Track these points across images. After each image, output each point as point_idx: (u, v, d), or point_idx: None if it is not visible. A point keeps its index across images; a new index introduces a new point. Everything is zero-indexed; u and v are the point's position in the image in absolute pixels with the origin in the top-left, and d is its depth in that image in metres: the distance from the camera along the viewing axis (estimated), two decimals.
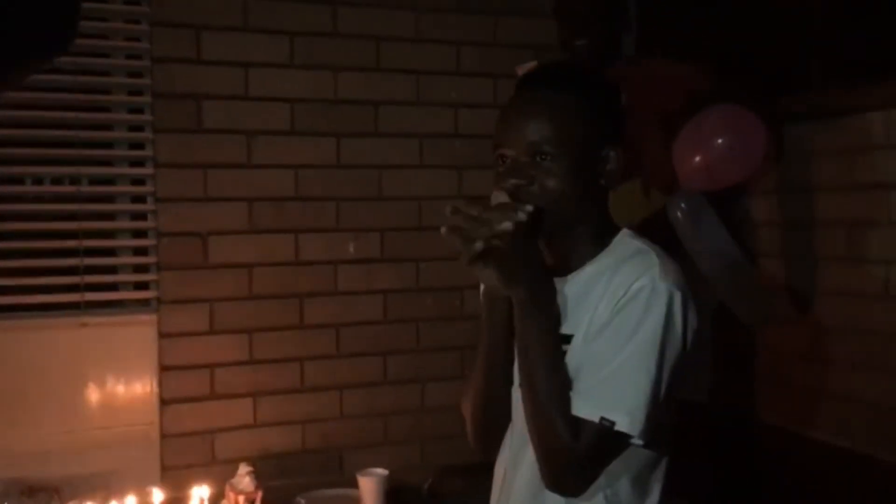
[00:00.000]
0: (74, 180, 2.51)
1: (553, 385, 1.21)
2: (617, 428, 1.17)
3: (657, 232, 2.54)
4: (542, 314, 1.24)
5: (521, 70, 2.39)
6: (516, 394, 1.32)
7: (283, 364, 2.65)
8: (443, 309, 2.81)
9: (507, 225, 1.18)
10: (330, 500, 2.47)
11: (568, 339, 1.26)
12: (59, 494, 2.27)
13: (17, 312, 2.43)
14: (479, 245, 1.17)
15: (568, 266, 1.31)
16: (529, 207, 1.20)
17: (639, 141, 2.50)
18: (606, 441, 1.19)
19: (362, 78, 2.73)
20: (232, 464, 2.41)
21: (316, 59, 2.68)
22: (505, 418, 1.37)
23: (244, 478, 2.32)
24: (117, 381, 2.50)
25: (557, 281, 1.29)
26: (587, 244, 1.30)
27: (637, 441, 1.20)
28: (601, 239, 1.30)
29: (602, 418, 1.17)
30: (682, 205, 2.36)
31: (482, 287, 1.34)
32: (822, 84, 2.41)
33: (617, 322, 1.20)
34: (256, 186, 2.62)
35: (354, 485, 2.45)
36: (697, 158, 2.29)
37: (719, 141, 2.26)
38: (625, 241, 1.30)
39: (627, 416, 1.17)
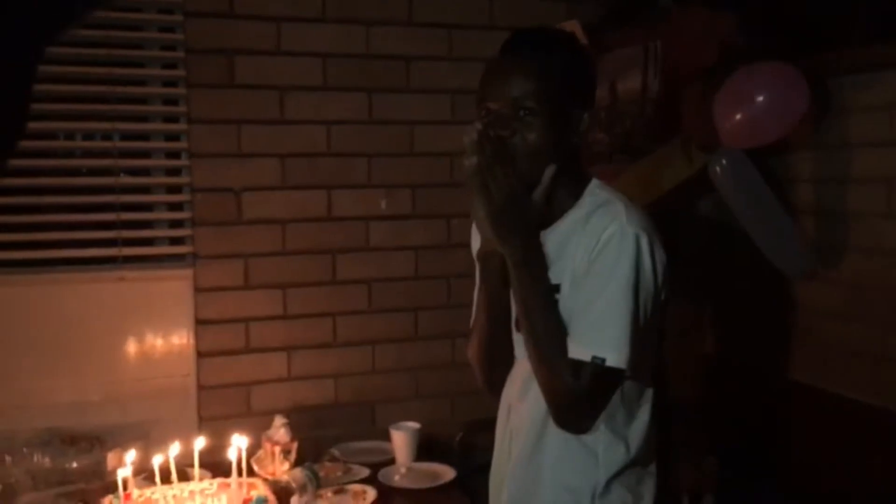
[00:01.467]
0: (109, 136, 2.53)
1: (551, 332, 1.34)
2: (608, 364, 1.31)
3: (697, 189, 2.55)
4: (537, 270, 1.36)
5: (565, 27, 2.36)
6: (519, 337, 1.45)
7: (316, 319, 2.69)
8: (473, 265, 2.81)
9: (470, 161, 1.30)
10: (363, 452, 2.52)
11: (557, 288, 1.38)
12: (100, 443, 2.33)
13: (57, 266, 2.48)
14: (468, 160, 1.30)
15: (548, 218, 1.41)
16: (478, 125, 1.31)
17: (676, 98, 2.47)
18: (601, 378, 1.33)
19: (394, 32, 2.71)
20: (267, 415, 2.46)
21: (348, 14, 2.66)
22: (508, 358, 1.51)
23: (280, 429, 2.36)
24: (155, 334, 2.55)
25: (541, 235, 1.40)
26: (565, 197, 1.42)
27: (626, 372, 1.33)
28: (575, 191, 1.42)
29: (593, 357, 1.31)
30: (723, 161, 2.34)
31: (474, 246, 1.49)
32: (864, 38, 2.35)
33: (595, 269, 1.33)
34: (289, 142, 2.63)
35: (386, 437, 2.49)
36: (738, 115, 2.26)
37: (760, 98, 2.22)
38: (594, 192, 1.42)
39: (615, 352, 1.31)
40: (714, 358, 2.93)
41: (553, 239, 1.40)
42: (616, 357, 1.31)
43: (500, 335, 1.49)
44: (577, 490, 1.40)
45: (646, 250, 1.33)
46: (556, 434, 1.40)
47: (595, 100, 1.46)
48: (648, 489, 1.46)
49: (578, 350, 1.32)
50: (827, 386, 2.51)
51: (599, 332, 1.32)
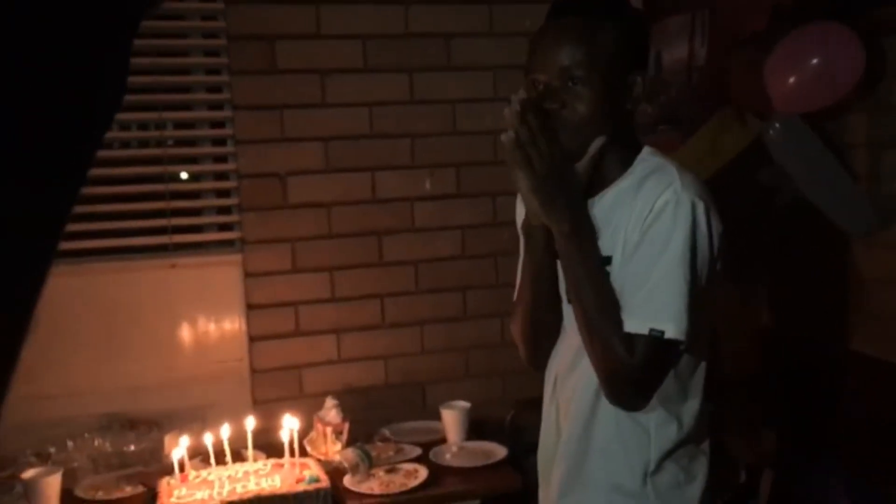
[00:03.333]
0: (161, 125, 2.57)
1: (603, 305, 1.30)
2: (667, 336, 1.26)
3: (755, 159, 2.48)
4: (586, 241, 1.32)
5: None
6: (568, 309, 1.42)
7: (364, 301, 2.70)
8: (519, 243, 2.79)
9: (506, 136, 1.25)
10: (414, 431, 2.53)
11: (608, 260, 1.33)
12: (158, 426, 2.39)
13: (110, 255, 2.53)
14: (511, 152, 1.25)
15: (596, 187, 1.37)
16: (522, 93, 1.26)
17: (723, 66, 2.40)
18: (659, 351, 1.28)
19: (433, 10, 2.69)
20: (319, 397, 2.49)
21: None
22: (554, 332, 1.48)
23: (331, 410, 2.39)
24: (207, 320, 2.59)
25: (588, 202, 1.36)
26: (615, 165, 1.36)
27: (684, 344, 1.29)
28: (626, 159, 1.37)
29: (651, 329, 1.26)
30: (777, 126, 2.27)
31: (518, 219, 1.45)
32: None
33: (648, 238, 1.28)
34: (332, 125, 2.63)
35: (437, 417, 2.50)
36: (791, 80, 2.19)
37: (814, 61, 2.15)
38: (645, 160, 1.37)
39: (673, 323, 1.26)
40: (770, 330, 2.86)
41: (602, 207, 1.36)
42: (675, 329, 1.26)
43: (546, 308, 1.45)
44: (630, 468, 1.37)
45: (702, 218, 1.28)
46: (607, 410, 1.36)
47: (649, 63, 1.40)
48: (702, 467, 1.41)
49: (634, 323, 1.28)
50: (883, 355, 2.43)
51: (656, 303, 1.27)
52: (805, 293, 2.76)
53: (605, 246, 1.34)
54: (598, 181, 1.36)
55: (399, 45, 2.67)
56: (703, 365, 1.40)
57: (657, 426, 1.36)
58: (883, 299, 2.46)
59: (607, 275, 1.32)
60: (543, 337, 1.49)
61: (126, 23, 0.42)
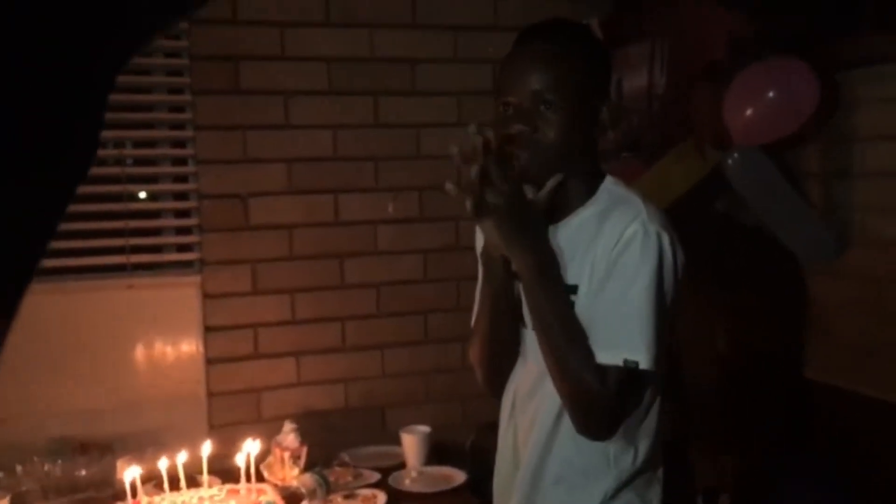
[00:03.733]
0: (118, 143, 2.53)
1: (571, 338, 1.30)
2: (641, 366, 1.28)
3: (713, 187, 2.53)
4: (550, 274, 1.33)
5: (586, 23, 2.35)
6: (527, 333, 1.42)
7: (325, 323, 2.68)
8: None
9: (473, 172, 1.27)
10: (373, 456, 2.51)
11: (573, 288, 1.34)
12: (111, 451, 2.33)
13: (66, 275, 2.48)
14: (468, 203, 1.28)
15: (558, 214, 1.38)
16: (472, 127, 1.27)
17: (685, 94, 2.45)
18: (633, 381, 1.30)
19: (399, 35, 2.70)
20: (277, 421, 2.45)
21: (352, 17, 2.65)
22: (512, 358, 1.48)
23: (289, 434, 2.36)
24: (164, 341, 2.55)
25: (550, 229, 1.37)
26: (578, 192, 1.38)
27: (655, 374, 1.31)
28: (590, 187, 1.39)
29: (626, 360, 1.28)
30: (736, 156, 2.32)
31: (478, 246, 1.46)
32: (873, 28, 2.32)
33: (618, 270, 1.30)
34: (295, 147, 2.62)
35: (397, 442, 2.48)
36: (749, 111, 2.24)
37: (770, 94, 2.21)
38: (609, 189, 1.39)
39: (646, 354, 1.28)
40: (729, 357, 2.90)
41: (565, 234, 1.37)
42: (648, 359, 1.28)
43: (505, 334, 1.46)
44: (588, 496, 1.37)
45: (668, 249, 1.30)
46: (567, 438, 1.37)
47: (610, 92, 1.43)
48: (656, 494, 1.43)
49: (607, 354, 1.29)
50: (843, 383, 2.48)
51: (628, 334, 1.28)
52: (765, 320, 2.81)
53: (571, 274, 1.35)
54: (562, 207, 1.38)
55: (364, 68, 2.68)
56: (657, 394, 1.42)
57: (616, 454, 1.37)
58: (838, 327, 2.51)
59: (572, 305, 1.33)
60: (502, 362, 1.49)
61: (97, 83, 0.42)
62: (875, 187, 2.38)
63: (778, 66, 2.27)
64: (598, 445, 1.36)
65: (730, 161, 2.34)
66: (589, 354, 1.29)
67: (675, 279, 1.32)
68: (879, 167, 2.36)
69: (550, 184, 1.32)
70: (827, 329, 2.57)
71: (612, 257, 1.30)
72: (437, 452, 2.47)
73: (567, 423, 1.35)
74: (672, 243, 1.31)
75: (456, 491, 2.29)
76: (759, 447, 2.60)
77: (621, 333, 1.29)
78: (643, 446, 1.39)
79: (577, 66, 1.33)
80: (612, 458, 1.37)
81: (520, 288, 1.43)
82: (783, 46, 2.29)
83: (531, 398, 1.43)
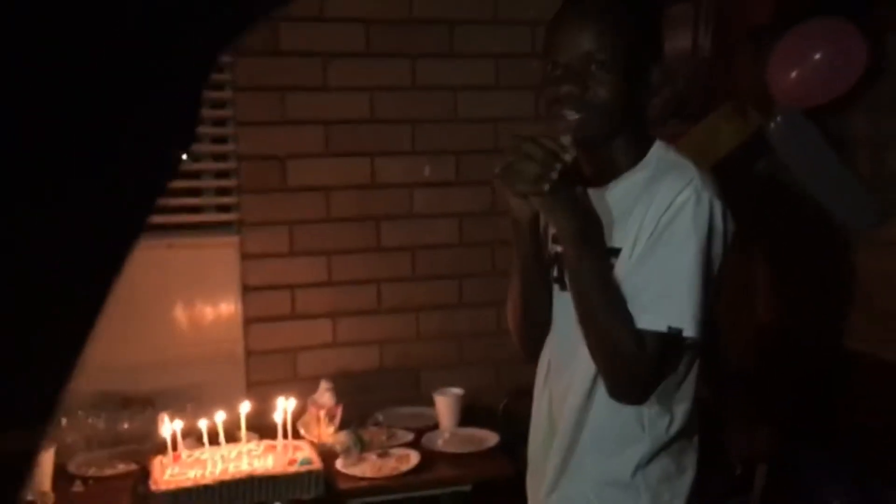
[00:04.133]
0: None
1: (610, 303, 1.29)
2: (685, 334, 1.27)
3: (756, 150, 2.49)
4: (591, 239, 1.31)
5: None
6: (560, 298, 1.42)
7: (361, 286, 2.70)
8: None
9: (567, 157, 1.24)
10: (407, 417, 2.54)
11: (616, 251, 1.32)
12: (152, 405, 2.39)
13: None
14: (554, 174, 1.24)
15: (605, 177, 1.36)
16: (573, 152, 1.25)
17: (729, 58, 2.40)
18: (672, 348, 1.30)
19: None
20: (313, 380, 2.49)
21: None
22: (546, 322, 1.47)
23: (325, 393, 2.40)
24: (203, 301, 2.59)
25: (595, 192, 1.35)
26: (626, 155, 1.35)
27: (696, 341, 1.30)
28: (639, 150, 1.35)
29: (670, 327, 1.27)
30: (779, 119, 2.28)
31: (512, 213, 1.42)
32: None
33: (667, 235, 1.27)
34: (332, 109, 2.63)
35: (430, 403, 2.51)
36: (794, 74, 2.19)
37: (817, 56, 2.15)
38: (659, 154, 1.35)
39: (692, 321, 1.27)
40: (769, 326, 2.87)
41: (613, 198, 1.35)
42: (693, 327, 1.27)
43: (536, 299, 1.46)
44: (623, 461, 1.36)
45: (719, 217, 1.28)
46: (603, 403, 1.36)
47: (661, 53, 1.38)
48: (692, 461, 1.42)
49: (650, 319, 1.27)
50: (885, 354, 2.44)
51: (675, 301, 1.27)
52: (806, 289, 2.77)
53: (616, 237, 1.33)
54: (610, 170, 1.36)
55: (402, 30, 2.66)
56: (697, 361, 1.40)
57: (651, 420, 1.36)
58: (884, 297, 2.47)
59: (611, 269, 1.31)
60: (535, 326, 1.49)
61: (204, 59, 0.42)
62: None
63: (825, 28, 2.21)
64: (632, 411, 1.35)
65: (773, 125, 2.30)
66: (627, 318, 1.28)
67: (725, 248, 1.30)
68: None
69: (571, 154, 1.27)
70: (869, 299, 2.52)
71: (663, 222, 1.27)
72: (469, 415, 2.49)
73: (601, 390, 1.35)
74: (724, 211, 1.29)
75: (488, 453, 2.31)
76: (796, 418, 2.58)
77: (667, 299, 1.27)
78: (679, 412, 1.37)
79: (629, 26, 1.30)
80: (647, 424, 1.35)
81: (552, 251, 1.42)
82: (831, 8, 2.23)
83: (566, 366, 1.42)
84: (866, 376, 2.51)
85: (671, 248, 1.27)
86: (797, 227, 2.66)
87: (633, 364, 1.29)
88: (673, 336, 1.27)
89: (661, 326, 1.27)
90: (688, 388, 1.39)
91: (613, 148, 1.34)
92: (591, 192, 1.35)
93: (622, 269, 1.31)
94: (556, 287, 1.44)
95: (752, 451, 2.52)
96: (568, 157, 1.24)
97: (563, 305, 1.40)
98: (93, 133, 0.39)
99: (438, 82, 2.71)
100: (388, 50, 2.66)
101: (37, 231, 0.38)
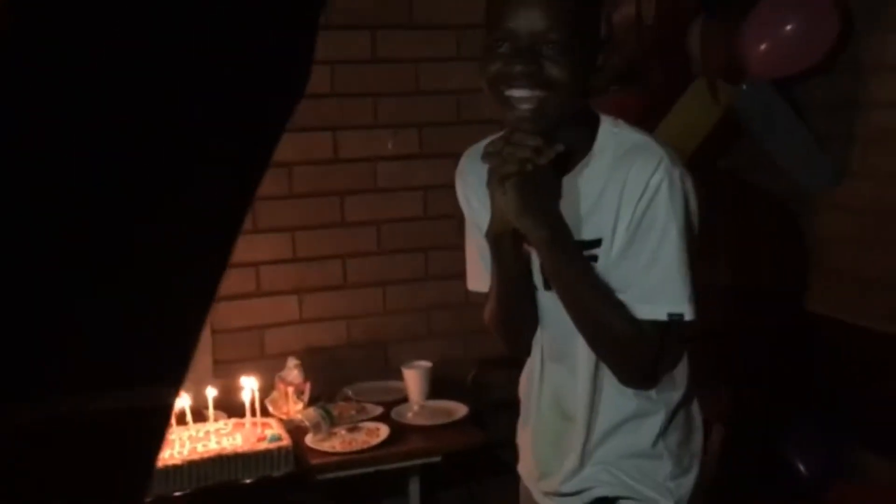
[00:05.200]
0: None
1: (597, 297, 1.28)
2: (686, 318, 1.27)
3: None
4: (564, 241, 1.27)
5: None
6: (545, 297, 1.38)
7: (326, 261, 2.69)
8: None
9: (541, 159, 1.22)
10: (376, 391, 2.55)
11: (596, 242, 1.29)
12: None
13: None
14: (510, 167, 1.22)
15: (566, 163, 1.30)
16: (560, 147, 1.23)
17: (680, 25, 2.41)
18: (674, 332, 1.31)
19: None
20: (280, 358, 2.48)
21: None
22: (532, 321, 1.43)
23: (292, 370, 2.39)
24: None
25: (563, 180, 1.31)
26: (580, 139, 1.30)
27: (695, 320, 1.29)
28: (591, 131, 1.31)
29: (670, 314, 1.27)
30: (745, 87, 2.30)
31: (466, 212, 1.44)
32: None
33: (647, 222, 1.25)
34: None
35: (399, 377, 2.51)
36: (765, 45, 2.21)
37: (788, 27, 2.17)
38: (613, 132, 1.31)
39: (689, 305, 1.27)
40: (729, 287, 2.92)
41: (576, 188, 1.30)
42: (692, 309, 1.27)
43: (522, 306, 1.41)
44: (643, 436, 1.38)
45: (692, 192, 1.27)
46: (611, 390, 1.36)
47: (603, 29, 1.33)
48: (699, 420, 1.45)
49: (651, 310, 1.27)
50: (844, 316, 2.49)
51: (669, 288, 1.27)
52: (765, 253, 2.81)
53: (590, 228, 1.30)
54: (568, 157, 1.29)
55: (361, 2, 2.62)
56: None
57: (660, 391, 1.37)
58: (839, 259, 2.52)
59: (594, 259, 1.29)
60: (527, 329, 1.45)
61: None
62: (876, 119, 2.36)
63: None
64: (640, 391, 1.37)
65: (739, 94, 2.32)
66: (620, 308, 1.27)
67: (700, 221, 1.31)
68: (885, 98, 2.33)
69: (555, 149, 1.24)
70: (826, 262, 2.57)
71: (640, 208, 1.25)
72: (438, 387, 2.51)
73: (607, 374, 1.35)
74: (693, 185, 1.28)
75: (458, 424, 2.33)
76: (757, 380, 2.63)
77: (662, 287, 1.27)
78: (681, 378, 1.40)
79: (580, 8, 1.24)
80: (657, 397, 1.37)
81: (527, 251, 1.37)
82: None
83: (563, 359, 1.41)
84: (827, 338, 2.56)
85: (655, 235, 1.25)
86: (755, 191, 2.69)
87: (636, 354, 1.30)
88: (677, 322, 1.28)
89: (662, 315, 1.27)
90: (686, 359, 1.42)
91: (567, 132, 1.27)
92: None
93: (606, 260, 1.29)
94: (539, 288, 1.39)
95: (710, 412, 2.56)
96: (544, 160, 1.22)
97: (549, 303, 1.37)
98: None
99: (399, 55, 2.68)
100: (348, 22, 2.62)
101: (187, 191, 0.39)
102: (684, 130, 2.37)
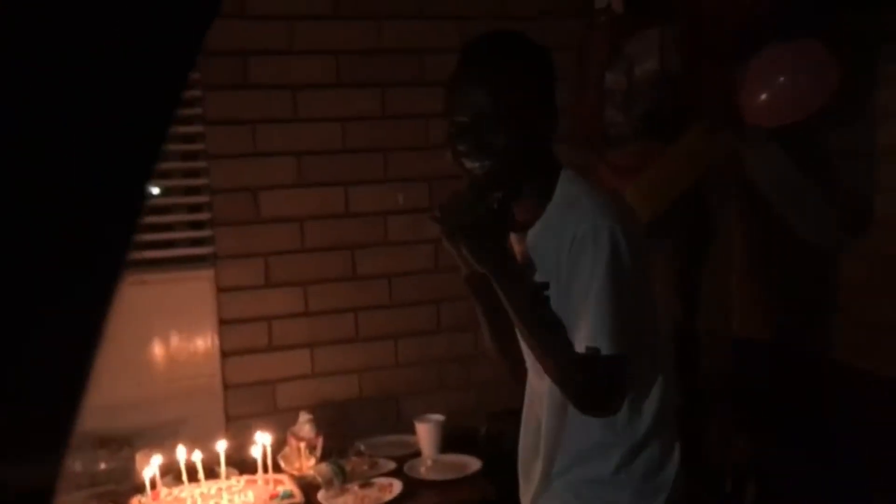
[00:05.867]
0: None
1: (547, 335, 1.41)
2: (603, 352, 1.36)
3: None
4: (515, 280, 1.41)
5: (598, 4, 2.36)
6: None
7: (338, 315, 2.70)
8: None
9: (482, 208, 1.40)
10: (388, 445, 2.53)
11: (546, 285, 1.44)
12: (129, 444, 2.36)
13: None
14: (453, 222, 1.40)
15: (530, 218, 1.48)
16: (496, 197, 1.39)
17: (696, 78, 2.45)
18: (605, 366, 1.38)
19: (406, 25, 2.71)
20: (292, 412, 2.48)
21: (360, 9, 2.66)
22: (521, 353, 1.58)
23: (305, 425, 2.38)
24: (179, 336, 2.57)
25: (522, 235, 1.48)
26: (540, 194, 1.46)
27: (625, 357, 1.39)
28: (547, 189, 1.47)
29: (587, 347, 1.37)
30: (751, 142, 2.32)
31: (462, 273, 1.54)
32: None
33: (575, 271, 1.40)
34: (304, 140, 2.64)
35: (412, 431, 2.50)
36: (763, 96, 2.24)
37: (784, 79, 2.20)
38: (564, 188, 1.46)
39: (608, 340, 1.36)
40: (747, 338, 2.90)
41: (535, 239, 1.47)
42: (609, 344, 1.36)
43: (507, 338, 1.57)
44: (603, 462, 1.48)
45: (621, 239, 1.38)
46: (576, 416, 1.46)
47: (555, 94, 1.49)
48: (673, 456, 1.52)
49: (579, 345, 1.39)
50: (868, 365, 2.47)
51: (590, 324, 1.38)
52: (785, 299, 2.80)
53: (544, 273, 1.45)
54: (531, 211, 1.47)
55: (372, 60, 2.68)
56: (666, 358, 1.54)
57: (623, 426, 1.48)
58: (861, 307, 2.50)
59: (545, 301, 1.42)
60: (515, 360, 1.60)
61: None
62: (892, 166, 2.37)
63: (793, 50, 2.25)
64: (604, 421, 1.47)
65: (748, 156, 2.34)
66: (567, 347, 1.39)
67: (635, 265, 1.40)
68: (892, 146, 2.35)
69: (495, 197, 1.41)
70: (848, 309, 2.56)
71: (571, 257, 1.39)
72: (451, 440, 2.49)
73: (571, 409, 1.46)
74: (625, 232, 1.38)
75: (471, 478, 2.30)
76: (776, 430, 2.60)
77: (585, 324, 1.38)
78: (649, 414, 1.49)
79: (516, 80, 1.41)
80: (620, 430, 1.48)
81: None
82: (801, 26, 2.27)
83: (539, 386, 1.54)
84: (847, 386, 2.53)
85: (583, 279, 1.38)
86: (777, 237, 2.69)
87: (582, 386, 1.40)
88: (597, 356, 1.36)
89: (581, 348, 1.38)
90: (655, 392, 1.50)
91: (526, 193, 1.45)
92: (520, 236, 1.48)
93: (554, 303, 1.42)
94: None
95: (733, 463, 2.53)
96: (494, 197, 1.39)
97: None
98: None
99: (409, 110, 2.73)
100: (359, 80, 2.68)
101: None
102: (675, 171, 2.39)
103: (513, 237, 1.48)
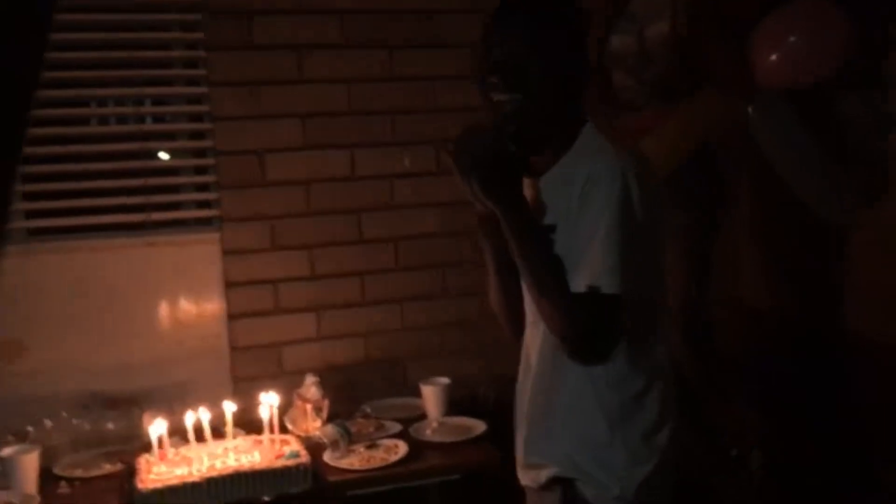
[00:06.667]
0: (135, 102, 2.54)
1: (545, 274, 1.41)
2: (603, 291, 1.36)
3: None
4: (520, 217, 1.42)
5: None
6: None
7: (344, 278, 2.70)
8: None
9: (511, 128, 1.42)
10: (394, 408, 2.54)
11: (553, 228, 1.45)
12: (137, 405, 2.38)
13: (87, 233, 2.51)
14: (467, 159, 1.40)
15: (546, 164, 1.49)
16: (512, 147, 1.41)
17: (707, 41, 2.41)
18: (601, 306, 1.38)
19: None
20: (299, 374, 2.49)
21: None
22: (522, 301, 1.58)
23: (311, 387, 2.39)
24: (186, 298, 2.58)
25: (535, 182, 1.49)
26: (560, 142, 1.48)
27: (621, 298, 1.38)
28: (569, 139, 1.48)
29: (588, 286, 1.37)
30: (757, 103, 2.29)
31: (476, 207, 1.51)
32: None
33: (585, 208, 1.40)
34: (309, 102, 2.61)
35: (417, 394, 2.51)
36: (774, 56, 2.20)
37: (794, 38, 2.16)
38: (585, 138, 1.48)
39: (607, 278, 1.36)
40: (760, 311, 2.88)
41: (549, 184, 1.48)
42: (609, 282, 1.36)
43: (512, 286, 1.57)
44: (596, 418, 1.46)
45: (633, 182, 1.38)
46: (570, 368, 1.46)
47: (587, 47, 1.51)
48: (669, 419, 1.50)
49: (575, 284, 1.39)
50: (881, 335, 2.46)
51: (594, 264, 1.37)
52: (797, 271, 2.78)
53: (552, 216, 1.46)
54: (548, 159, 1.48)
55: (379, 20, 2.65)
56: (665, 319, 1.52)
57: (618, 380, 1.46)
58: (875, 279, 2.49)
59: (550, 243, 1.43)
60: (517, 309, 1.60)
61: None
62: None
63: (804, 10, 2.21)
64: (599, 373, 1.45)
65: (750, 108, 2.30)
66: (563, 286, 1.39)
67: (645, 212, 1.39)
68: None
69: (515, 135, 1.42)
70: (862, 281, 2.54)
71: (582, 196, 1.40)
72: (456, 404, 2.50)
73: (565, 358, 1.46)
74: (639, 177, 1.39)
75: (476, 441, 2.32)
76: (789, 404, 2.59)
77: (588, 264, 1.38)
78: (645, 371, 1.47)
79: (550, 24, 1.43)
80: (615, 384, 1.46)
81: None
82: None
83: (535, 329, 1.54)
84: (862, 358, 2.52)
85: (590, 218, 1.39)
86: (791, 209, 2.67)
87: (573, 327, 1.40)
88: (595, 295, 1.36)
89: (582, 288, 1.37)
90: (651, 348, 1.49)
91: (550, 140, 1.48)
92: (533, 180, 1.49)
93: (558, 242, 1.44)
94: None
95: (742, 432, 2.54)
96: (511, 128, 1.40)
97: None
98: None
99: (416, 72, 2.70)
100: (365, 41, 2.64)
101: None
102: (683, 131, 2.37)
103: (526, 182, 1.47)
